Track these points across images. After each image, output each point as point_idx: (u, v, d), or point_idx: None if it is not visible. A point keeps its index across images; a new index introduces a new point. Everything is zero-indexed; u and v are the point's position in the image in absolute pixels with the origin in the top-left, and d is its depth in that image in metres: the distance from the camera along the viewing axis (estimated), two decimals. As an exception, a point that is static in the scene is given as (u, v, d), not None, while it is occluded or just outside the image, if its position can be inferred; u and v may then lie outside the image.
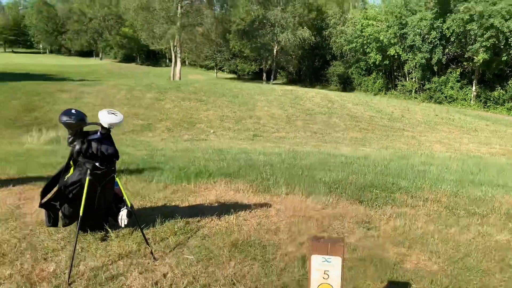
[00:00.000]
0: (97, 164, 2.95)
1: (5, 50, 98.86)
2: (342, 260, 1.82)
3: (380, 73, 40.65)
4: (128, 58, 73.67)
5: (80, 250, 2.97)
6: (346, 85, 45.13)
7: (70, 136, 2.98)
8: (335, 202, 4.53)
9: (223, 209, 4.03)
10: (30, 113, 15.14)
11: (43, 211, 3.20)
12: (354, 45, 39.14)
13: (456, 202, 4.80)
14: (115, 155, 3.05)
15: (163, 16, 32.61)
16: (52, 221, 3.16)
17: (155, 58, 71.60)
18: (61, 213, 3.18)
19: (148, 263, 2.87)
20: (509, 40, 27.95)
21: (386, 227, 3.82)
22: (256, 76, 52.16)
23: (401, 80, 38.50)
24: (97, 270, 2.73)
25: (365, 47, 38.37)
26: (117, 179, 3.16)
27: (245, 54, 46.32)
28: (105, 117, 2.93)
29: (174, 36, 33.53)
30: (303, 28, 41.63)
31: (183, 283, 2.63)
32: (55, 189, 3.12)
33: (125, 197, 3.17)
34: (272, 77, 47.16)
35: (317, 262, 1.82)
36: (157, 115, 16.36)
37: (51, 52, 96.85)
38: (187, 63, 64.17)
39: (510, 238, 3.73)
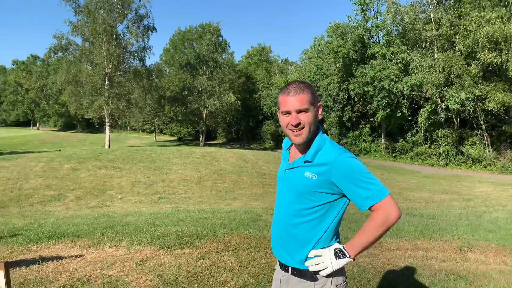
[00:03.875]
0: None
1: None
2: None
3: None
4: (68, 126, 73.66)
5: None
6: (279, 142, 48.59)
7: None
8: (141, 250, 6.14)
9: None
10: None
11: None
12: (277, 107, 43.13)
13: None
14: None
15: (89, 89, 34.32)
16: None
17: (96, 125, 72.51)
18: None
19: None
20: (400, 99, 32.69)
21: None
22: (197, 137, 54.60)
23: (322, 137, 42.53)
24: None
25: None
26: None
27: (180, 118, 48.80)
28: None
29: (101, 106, 35.15)
30: (231, 93, 45.22)
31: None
32: None
33: None
34: (214, 136, 49.77)
35: None
36: (69, 185, 17.39)
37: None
38: (128, 128, 65.38)
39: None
